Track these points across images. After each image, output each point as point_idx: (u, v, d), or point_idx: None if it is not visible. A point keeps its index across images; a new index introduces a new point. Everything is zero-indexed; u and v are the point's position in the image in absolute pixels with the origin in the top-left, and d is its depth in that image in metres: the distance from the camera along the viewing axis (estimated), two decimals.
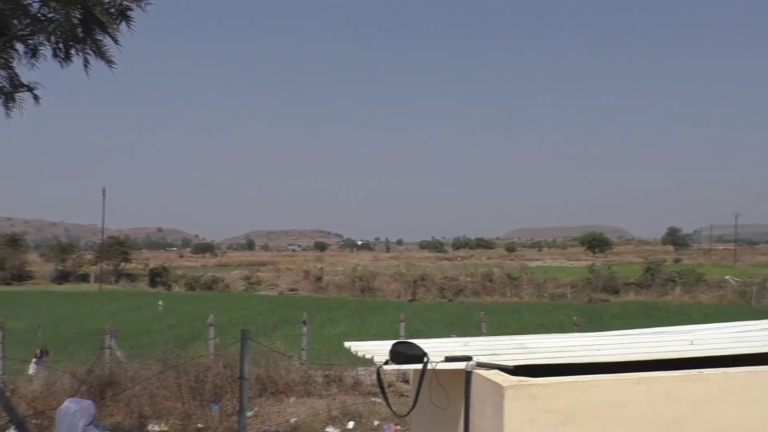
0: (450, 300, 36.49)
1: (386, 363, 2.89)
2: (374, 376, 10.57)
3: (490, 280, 42.04)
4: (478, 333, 11.63)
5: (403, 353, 2.87)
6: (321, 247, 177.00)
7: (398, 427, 7.87)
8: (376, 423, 8.29)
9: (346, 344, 3.49)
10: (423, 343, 3.30)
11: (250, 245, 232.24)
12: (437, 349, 3.16)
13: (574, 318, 11.93)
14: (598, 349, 3.26)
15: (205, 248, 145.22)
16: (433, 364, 2.81)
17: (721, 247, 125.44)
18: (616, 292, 38.01)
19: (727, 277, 42.76)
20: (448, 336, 4.54)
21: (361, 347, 3.32)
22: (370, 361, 3.08)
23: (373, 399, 9.37)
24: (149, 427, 7.91)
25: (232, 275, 50.91)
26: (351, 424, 8.25)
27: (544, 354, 3.17)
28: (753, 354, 3.28)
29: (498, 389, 2.52)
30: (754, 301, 33.14)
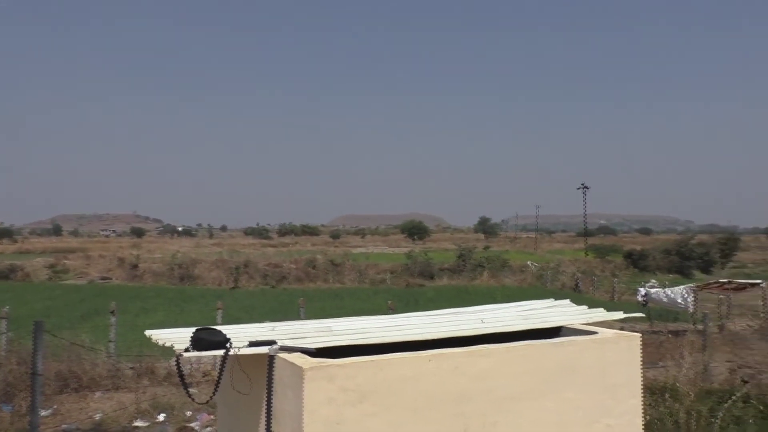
0: (273, 287, 36.24)
1: (186, 350, 2.82)
2: (191, 366, 10.22)
3: (314, 267, 42.40)
4: (297, 319, 11.67)
5: (204, 340, 2.81)
6: (138, 233, 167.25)
7: (213, 417, 7.70)
8: (188, 414, 8.03)
9: (147, 333, 3.34)
10: (228, 329, 3.26)
11: (56, 230, 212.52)
12: (243, 335, 3.13)
13: (389, 302, 12.45)
14: (399, 330, 3.43)
15: (2, 233, 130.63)
16: (236, 350, 2.79)
17: (525, 236, 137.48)
18: (431, 277, 40.09)
19: (528, 262, 46.97)
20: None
21: (162, 335, 3.20)
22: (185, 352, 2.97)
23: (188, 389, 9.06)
24: None
25: (34, 263, 46.25)
26: (162, 417, 7.92)
27: (347, 336, 3.26)
28: (534, 329, 3.64)
29: (298, 371, 2.56)
30: (548, 283, 36.80)
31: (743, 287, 18.32)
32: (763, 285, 17.77)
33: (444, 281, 38.62)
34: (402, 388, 2.72)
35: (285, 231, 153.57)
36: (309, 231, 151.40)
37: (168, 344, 3.00)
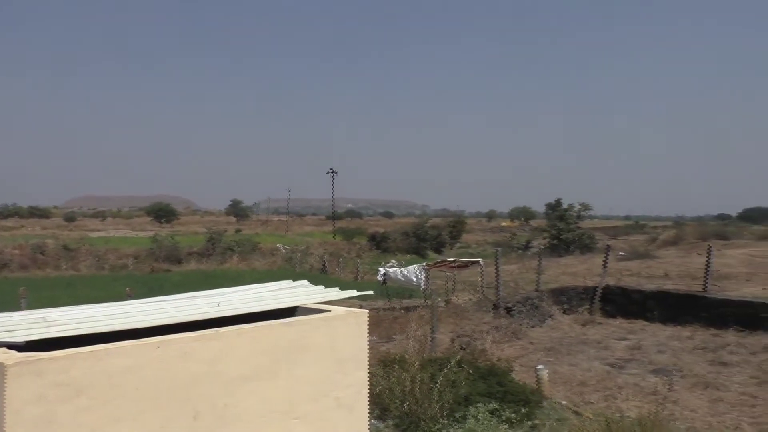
0: None
1: None
2: None
3: (42, 252, 38.20)
4: (18, 311, 10.39)
5: None
6: None
7: None
8: None
9: None
10: None
11: None
12: None
13: (128, 289, 11.71)
14: (126, 317, 3.24)
15: None
16: None
17: (276, 219, 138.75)
18: (178, 261, 38.63)
19: (278, 245, 47.57)
20: None
21: None
22: None
23: None
24: None
25: None
26: None
27: (66, 326, 2.99)
28: (274, 310, 3.70)
29: None
30: (298, 265, 37.67)
31: (465, 265, 20.63)
32: (481, 263, 20.22)
33: (192, 266, 37.44)
34: (125, 379, 2.58)
35: (8, 213, 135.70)
36: (38, 213, 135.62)
37: None
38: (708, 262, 15.41)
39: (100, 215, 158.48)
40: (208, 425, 2.88)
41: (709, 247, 16.52)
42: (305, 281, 4.70)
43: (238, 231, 67.82)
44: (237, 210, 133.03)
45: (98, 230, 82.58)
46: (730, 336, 12.68)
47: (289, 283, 4.67)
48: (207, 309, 3.58)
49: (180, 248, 40.86)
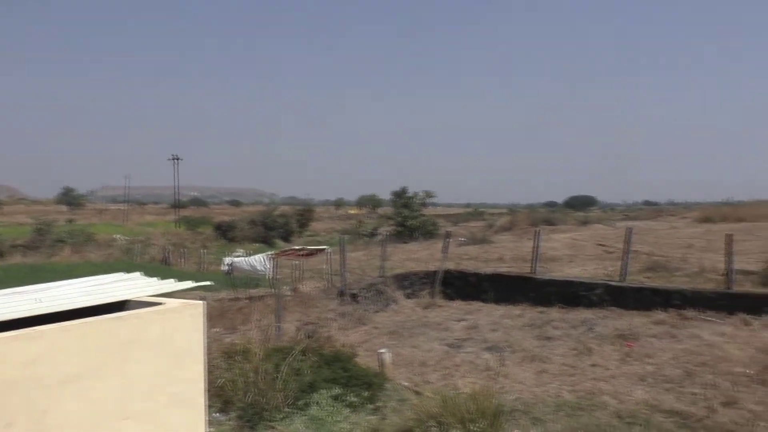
0: None
1: None
2: None
3: None
4: None
5: None
6: None
7: None
8: None
9: None
10: None
11: None
12: None
13: None
14: None
15: None
16: None
17: (114, 207, 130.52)
18: (0, 255, 35.24)
19: (116, 235, 44.86)
20: None
21: None
22: None
23: None
24: None
25: None
26: None
27: None
28: (103, 306, 3.50)
29: None
30: (137, 257, 35.76)
31: (313, 253, 20.68)
32: (329, 250, 20.41)
33: (17, 259, 34.24)
34: None
35: None
36: None
37: None
38: (536, 246, 16.70)
39: None
40: None
41: (537, 232, 17.93)
42: (138, 273, 4.49)
43: (70, 221, 62.92)
44: (69, 198, 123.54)
45: None
46: (554, 313, 13.88)
47: (120, 275, 4.44)
48: (25, 306, 3.32)
49: (2, 240, 37.30)
